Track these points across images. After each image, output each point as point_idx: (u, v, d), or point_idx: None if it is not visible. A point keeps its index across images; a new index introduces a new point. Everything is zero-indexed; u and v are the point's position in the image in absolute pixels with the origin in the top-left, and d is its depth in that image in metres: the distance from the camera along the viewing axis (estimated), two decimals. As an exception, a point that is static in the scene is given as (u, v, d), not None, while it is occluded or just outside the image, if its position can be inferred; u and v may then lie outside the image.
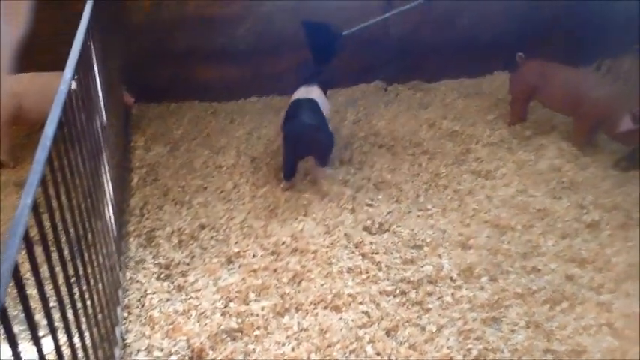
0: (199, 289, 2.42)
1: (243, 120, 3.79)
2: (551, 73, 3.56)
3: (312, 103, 3.11)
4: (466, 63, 4.38)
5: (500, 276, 2.53)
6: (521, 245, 2.71)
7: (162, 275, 2.53)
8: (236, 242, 2.69)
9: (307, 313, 2.31)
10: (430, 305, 2.37)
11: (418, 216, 2.91)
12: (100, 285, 1.93)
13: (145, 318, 2.29)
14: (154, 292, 2.41)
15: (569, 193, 3.10)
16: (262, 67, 4.06)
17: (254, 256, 2.60)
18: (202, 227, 2.80)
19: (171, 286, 2.45)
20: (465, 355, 2.13)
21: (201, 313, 2.29)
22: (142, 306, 2.35)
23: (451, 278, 2.51)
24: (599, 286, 2.48)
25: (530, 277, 2.53)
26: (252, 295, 2.38)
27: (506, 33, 4.21)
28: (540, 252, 2.68)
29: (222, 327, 2.22)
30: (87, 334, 1.68)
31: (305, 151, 3.05)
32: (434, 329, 2.24)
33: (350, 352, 2.13)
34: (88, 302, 1.72)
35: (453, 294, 2.42)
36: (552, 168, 3.30)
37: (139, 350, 2.14)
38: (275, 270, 2.52)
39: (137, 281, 2.47)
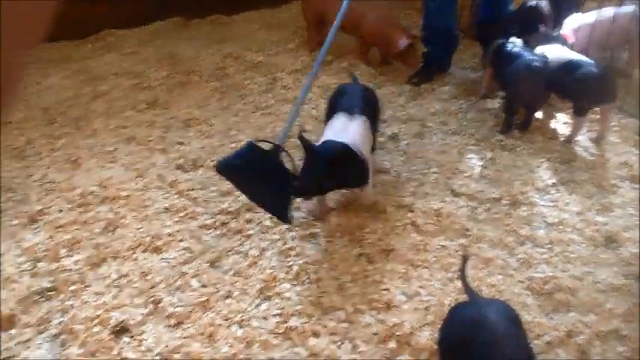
0: (1, 255, 2.21)
1: (28, 70, 3.43)
2: None
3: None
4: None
5: (315, 194, 2.64)
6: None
7: (-46, 247, 2.27)
8: (38, 200, 2.48)
9: (126, 260, 2.22)
10: (251, 232, 2.41)
11: (231, 147, 2.90)
12: None
13: (-61, 295, 2.05)
14: (-54, 266, 2.16)
15: (369, 110, 3.29)
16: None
17: (60, 211, 2.42)
18: (-4, 189, 2.54)
19: (-33, 257, 2.21)
20: (287, 272, 2.21)
21: (7, 279, 2.10)
22: None
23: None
24: (401, 189, 2.71)
25: (342, 192, 2.67)
26: (63, 251, 2.23)
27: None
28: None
29: (33, 289, 2.06)
30: None
31: None
32: (256, 253, 2.29)
33: (175, 289, 2.11)
34: None
35: (271, 218, 2.48)
36: (353, 88, 3.46)
37: None
38: (85, 222, 2.37)
39: None
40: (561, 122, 3.28)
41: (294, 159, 2.31)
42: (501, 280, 2.25)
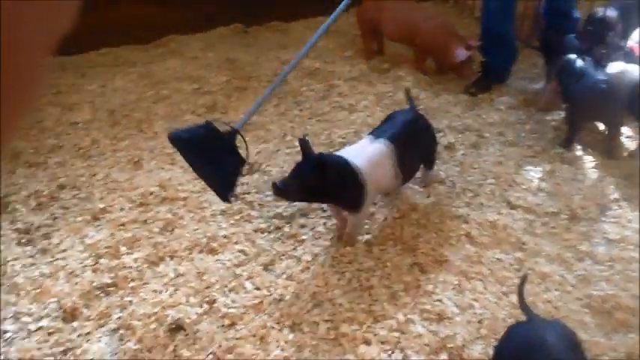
0: (65, 250, 2.30)
1: (95, 73, 3.57)
2: (387, 6, 3.72)
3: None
4: (321, 1, 4.42)
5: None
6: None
7: (23, 240, 2.37)
8: (101, 198, 2.58)
9: (183, 259, 2.28)
10: (304, 237, 2.43)
11: (286, 153, 2.95)
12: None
13: (9, 286, 2.15)
14: (16, 259, 2.26)
15: (426, 118, 3.28)
16: (108, 15, 3.81)
17: (121, 210, 2.51)
18: (62, 187, 2.65)
19: (35, 250, 2.32)
20: (339, 279, 2.22)
21: (70, 273, 2.19)
22: (4, 274, 2.20)
23: (322, 209, 2.58)
24: (456, 200, 2.68)
25: (393, 201, 2.66)
26: (123, 249, 2.31)
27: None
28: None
29: (94, 284, 2.15)
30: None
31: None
32: (309, 259, 2.31)
33: (229, 291, 2.15)
34: None
35: (324, 224, 2.50)
36: (410, 97, 3.45)
37: (4, 319, 2.01)
38: (145, 221, 2.45)
39: (-6, 250, 2.31)
40: (625, 136, 3.18)
41: (248, 144, 2.28)
42: (558, 296, 2.20)
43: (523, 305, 1.79)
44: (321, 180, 2.17)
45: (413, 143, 2.51)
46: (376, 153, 2.36)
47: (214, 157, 2.16)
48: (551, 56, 3.39)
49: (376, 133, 2.47)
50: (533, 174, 2.88)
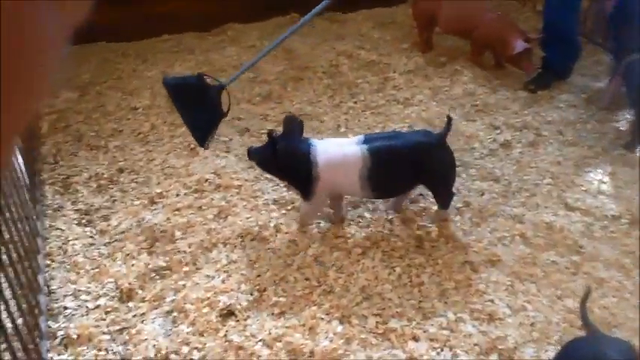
0: (123, 232, 2.38)
1: (156, 59, 3.65)
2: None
3: None
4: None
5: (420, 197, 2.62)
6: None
7: (84, 221, 2.46)
8: (158, 183, 2.64)
9: (235, 247, 2.32)
10: (355, 230, 2.43)
11: (340, 145, 2.94)
12: (16, 235, 1.87)
13: (69, 264, 2.24)
14: (76, 238, 2.35)
15: (482, 115, 3.22)
16: (169, 3, 3.89)
17: (177, 195, 2.57)
18: (121, 170, 2.73)
19: (94, 231, 2.40)
20: (389, 273, 2.22)
21: (127, 255, 2.26)
22: (65, 253, 2.29)
23: (372, 202, 2.57)
24: (511, 199, 2.62)
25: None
26: (178, 234, 2.36)
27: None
28: (457, 171, 2.78)
29: (150, 266, 2.21)
30: (5, 284, 1.63)
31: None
32: (359, 252, 2.31)
33: (280, 280, 2.18)
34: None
35: (373, 217, 2.49)
36: (466, 92, 3.40)
37: (65, 296, 2.10)
38: (200, 207, 2.50)
39: (57, 229, 2.40)
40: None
41: (231, 101, 2.39)
42: (615, 303, 2.14)
43: (585, 319, 1.74)
44: (272, 159, 2.32)
45: (402, 166, 2.32)
46: (346, 155, 2.30)
47: (199, 106, 2.35)
48: (619, 53, 3.24)
49: (369, 137, 2.37)
50: (593, 175, 2.79)
